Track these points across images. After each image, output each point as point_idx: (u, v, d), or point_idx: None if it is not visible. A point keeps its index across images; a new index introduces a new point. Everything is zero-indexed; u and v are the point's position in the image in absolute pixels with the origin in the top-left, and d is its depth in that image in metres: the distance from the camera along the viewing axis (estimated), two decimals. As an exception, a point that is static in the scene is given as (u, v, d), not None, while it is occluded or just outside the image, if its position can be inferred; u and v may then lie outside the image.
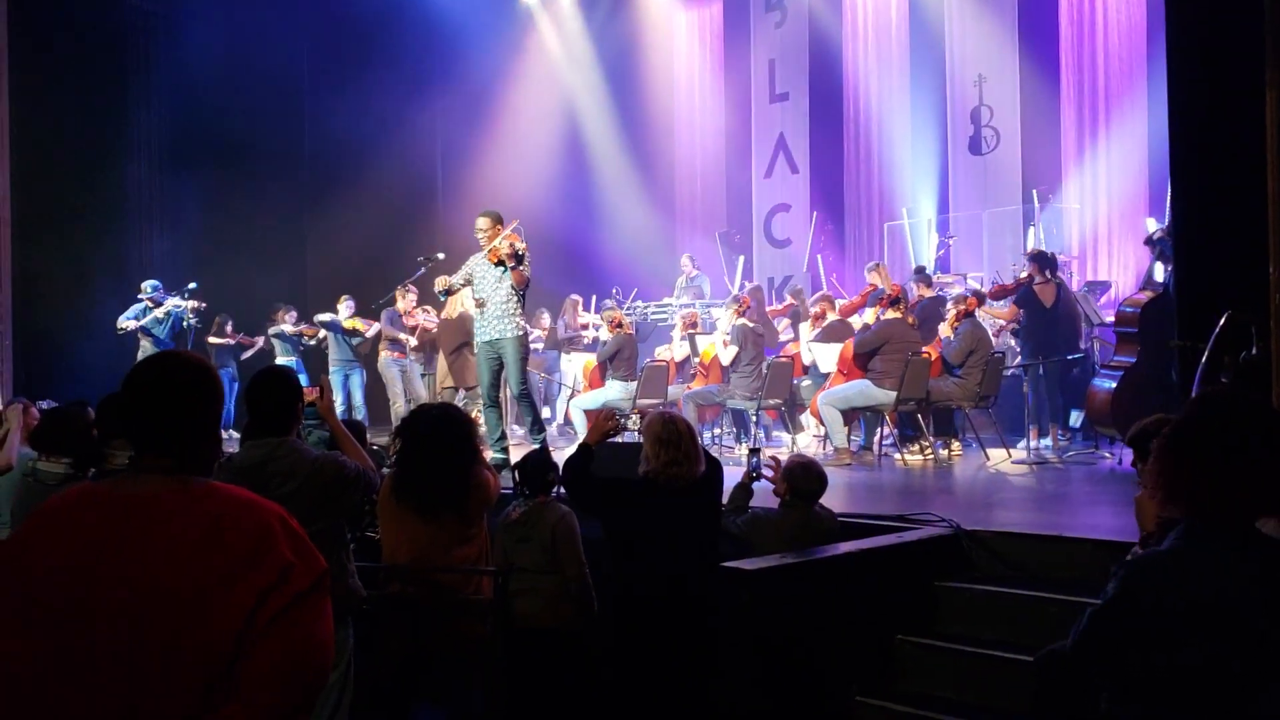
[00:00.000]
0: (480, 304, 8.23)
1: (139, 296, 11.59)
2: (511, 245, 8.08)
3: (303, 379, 11.39)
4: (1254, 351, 4.59)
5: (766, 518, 5.24)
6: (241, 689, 1.89)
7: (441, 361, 10.76)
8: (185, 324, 11.70)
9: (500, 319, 8.18)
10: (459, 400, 10.25)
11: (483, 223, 8.34)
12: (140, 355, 11.04)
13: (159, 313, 11.48)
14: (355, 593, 4.01)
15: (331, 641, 2.02)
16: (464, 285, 8.48)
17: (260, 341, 12.78)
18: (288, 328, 12.35)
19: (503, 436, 8.35)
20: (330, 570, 2.14)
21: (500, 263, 8.11)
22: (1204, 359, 4.67)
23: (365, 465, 4.02)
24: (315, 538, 3.60)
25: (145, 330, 11.40)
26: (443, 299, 8.85)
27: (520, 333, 8.24)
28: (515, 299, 8.19)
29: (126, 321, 11.41)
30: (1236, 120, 5.10)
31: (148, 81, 13.55)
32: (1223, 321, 4.70)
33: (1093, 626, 2.27)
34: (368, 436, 6.00)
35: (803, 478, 5.23)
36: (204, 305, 11.88)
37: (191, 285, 11.69)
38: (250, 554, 1.94)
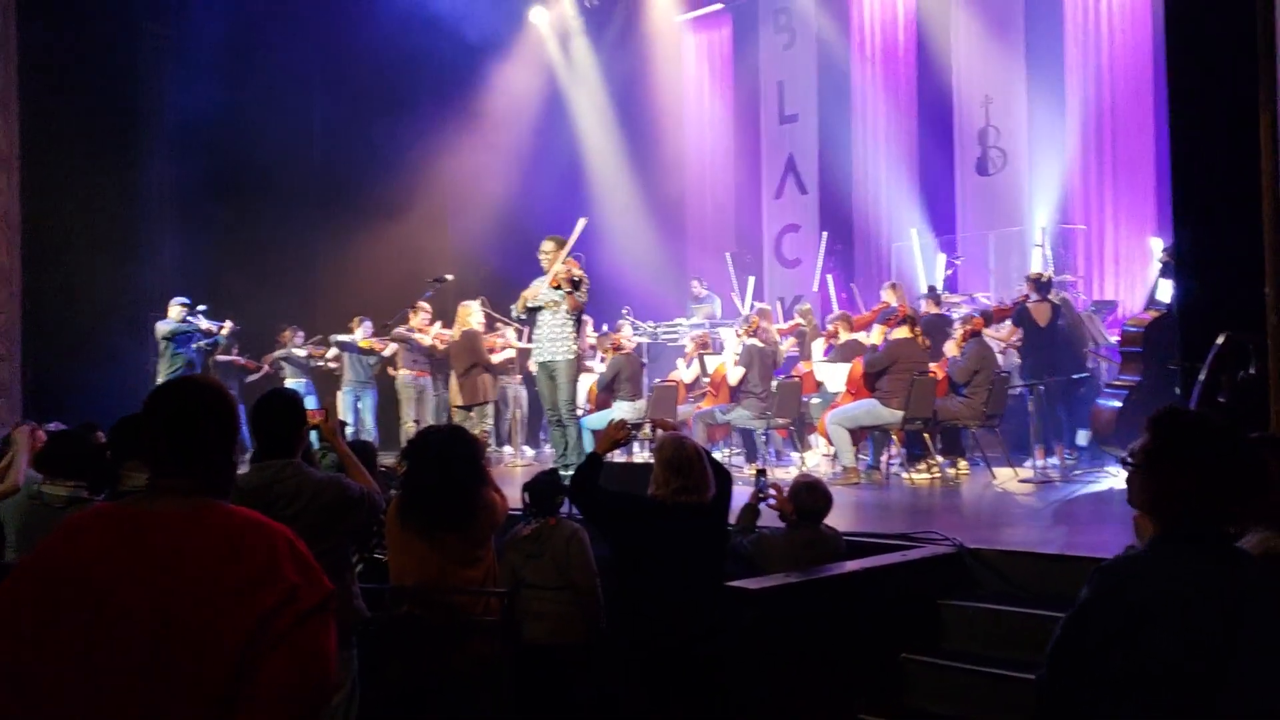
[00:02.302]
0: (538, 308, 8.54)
1: (173, 308, 11.56)
2: (569, 271, 8.38)
3: (311, 401, 11.52)
4: (1251, 371, 4.63)
5: (773, 537, 5.28)
6: (246, 706, 1.93)
7: (453, 380, 10.83)
8: (219, 344, 11.92)
9: (554, 341, 8.54)
10: (467, 420, 10.33)
11: (547, 246, 8.69)
12: (163, 368, 11.23)
13: (201, 324, 11.58)
14: (359, 614, 4.05)
15: (335, 661, 2.06)
16: (536, 307, 8.71)
17: (265, 367, 12.82)
18: (297, 350, 12.43)
19: (565, 454, 8.52)
20: (336, 592, 2.19)
21: (559, 286, 8.40)
22: (1201, 379, 4.70)
23: (370, 488, 4.06)
24: (320, 559, 3.68)
25: (180, 344, 11.42)
26: (524, 320, 9.06)
27: (572, 355, 8.56)
28: (570, 323, 8.51)
29: (168, 328, 11.43)
30: (1235, 141, 5.14)
31: (159, 104, 13.67)
32: (1220, 341, 4.74)
33: (1066, 632, 2.34)
34: (377, 458, 6.05)
35: (808, 497, 5.27)
36: (239, 328, 12.09)
37: (202, 308, 11.78)
38: (259, 574, 1.99)
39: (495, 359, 11.45)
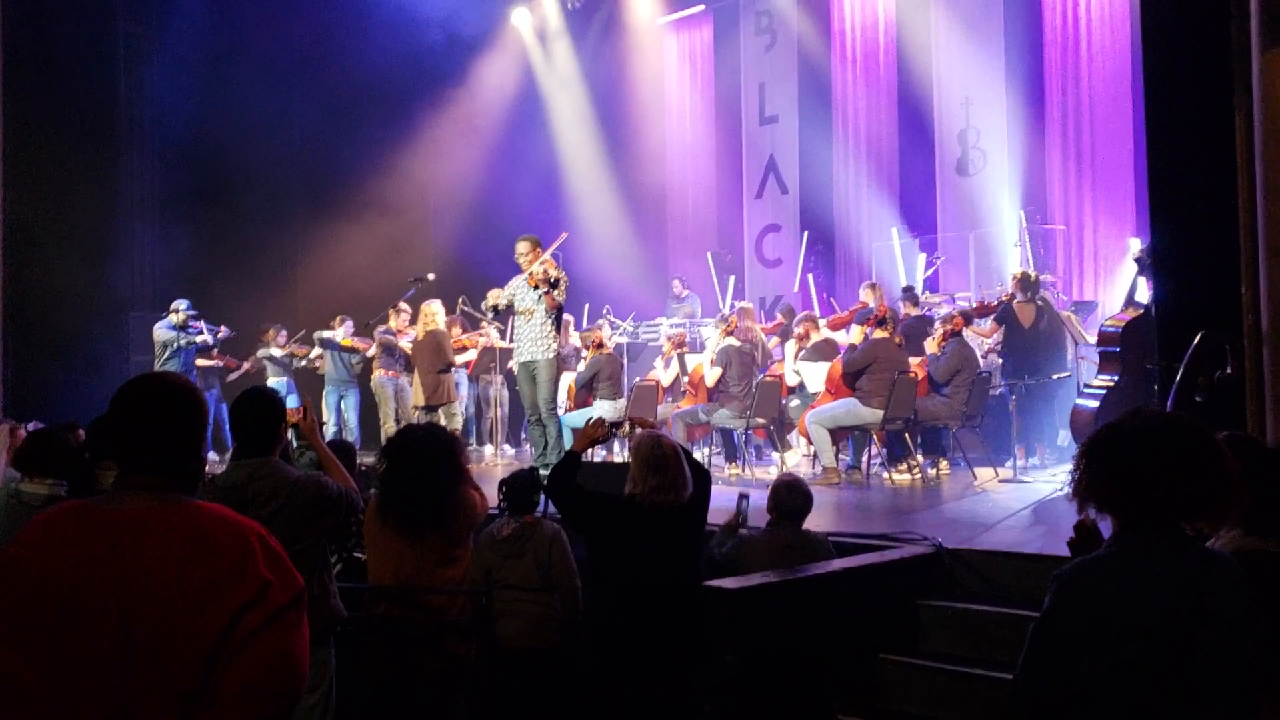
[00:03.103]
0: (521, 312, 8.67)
1: (174, 313, 11.55)
2: (545, 271, 8.39)
3: (293, 400, 11.49)
4: (1228, 371, 4.65)
5: (755, 539, 5.26)
6: (218, 702, 1.93)
7: (416, 381, 10.80)
8: (212, 347, 11.99)
9: (534, 341, 8.64)
10: (427, 419, 10.29)
11: (522, 247, 8.79)
12: (160, 367, 11.20)
13: (198, 338, 11.60)
14: (336, 613, 4.04)
15: (307, 658, 2.06)
16: (507, 306, 8.89)
17: (246, 365, 12.79)
18: (276, 350, 12.39)
19: (545, 453, 8.57)
20: (309, 589, 2.18)
21: (537, 286, 8.47)
22: (1178, 378, 4.73)
23: (348, 487, 4.05)
24: (296, 558, 3.66)
25: (178, 346, 11.43)
26: (491, 317, 9.14)
27: (552, 355, 8.65)
28: (549, 322, 8.60)
29: (168, 334, 11.45)
30: (1211, 142, 5.17)
31: (139, 104, 13.60)
32: (1197, 341, 4.76)
33: (1034, 641, 2.34)
34: (357, 457, 6.03)
35: (787, 495, 5.27)
36: (234, 334, 12.17)
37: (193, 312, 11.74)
38: (230, 571, 1.99)
39: (461, 359, 11.45)
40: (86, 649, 1.93)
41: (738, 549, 5.19)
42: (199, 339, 11.58)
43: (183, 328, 11.43)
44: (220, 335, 11.97)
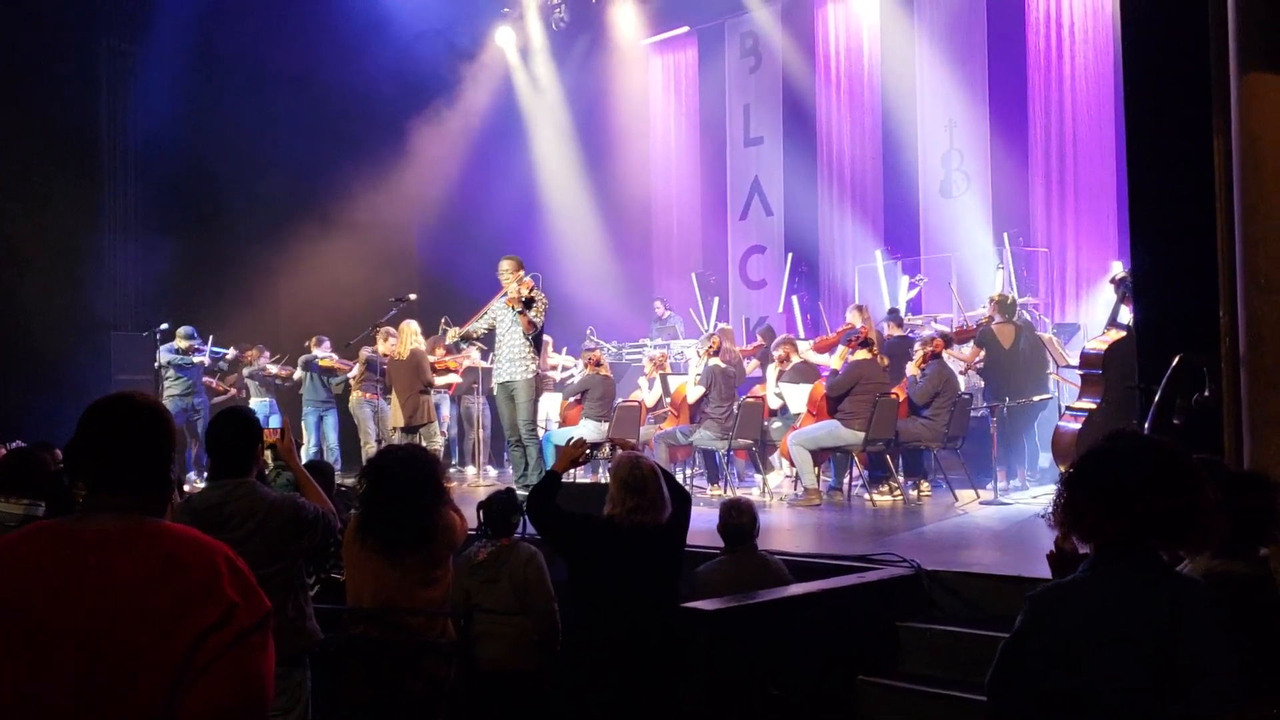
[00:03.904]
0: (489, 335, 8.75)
1: (180, 340, 11.60)
2: (519, 291, 8.43)
3: (275, 420, 11.43)
4: (1206, 394, 4.66)
5: (708, 572, 5.24)
6: (184, 725, 1.91)
7: (394, 401, 10.72)
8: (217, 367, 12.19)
9: (512, 362, 8.62)
10: (406, 440, 10.21)
11: (504, 265, 8.80)
12: (166, 390, 11.34)
13: (196, 359, 11.66)
14: (312, 635, 4.00)
15: (272, 680, 2.04)
16: (487, 330, 8.90)
17: (232, 390, 12.75)
18: (263, 368, 12.34)
19: (525, 474, 8.53)
20: (276, 611, 2.17)
21: (514, 306, 8.50)
22: (1156, 401, 4.74)
23: (325, 508, 4.02)
24: (272, 579, 3.67)
25: (182, 369, 11.50)
26: (463, 347, 9.13)
27: (530, 375, 8.63)
28: (526, 343, 8.57)
29: (167, 358, 11.51)
30: (1190, 166, 5.20)
31: (120, 122, 13.56)
32: (1175, 364, 4.78)
33: (1003, 659, 2.34)
34: (335, 478, 6.00)
35: (736, 516, 5.28)
36: (240, 353, 12.25)
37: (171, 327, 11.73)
38: (197, 592, 1.97)
39: (444, 380, 11.41)
40: (49, 671, 1.90)
41: (691, 584, 5.14)
42: (197, 359, 11.58)
43: (187, 353, 11.46)
44: (228, 357, 12.06)
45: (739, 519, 5.31)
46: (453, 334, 9.10)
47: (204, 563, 2.00)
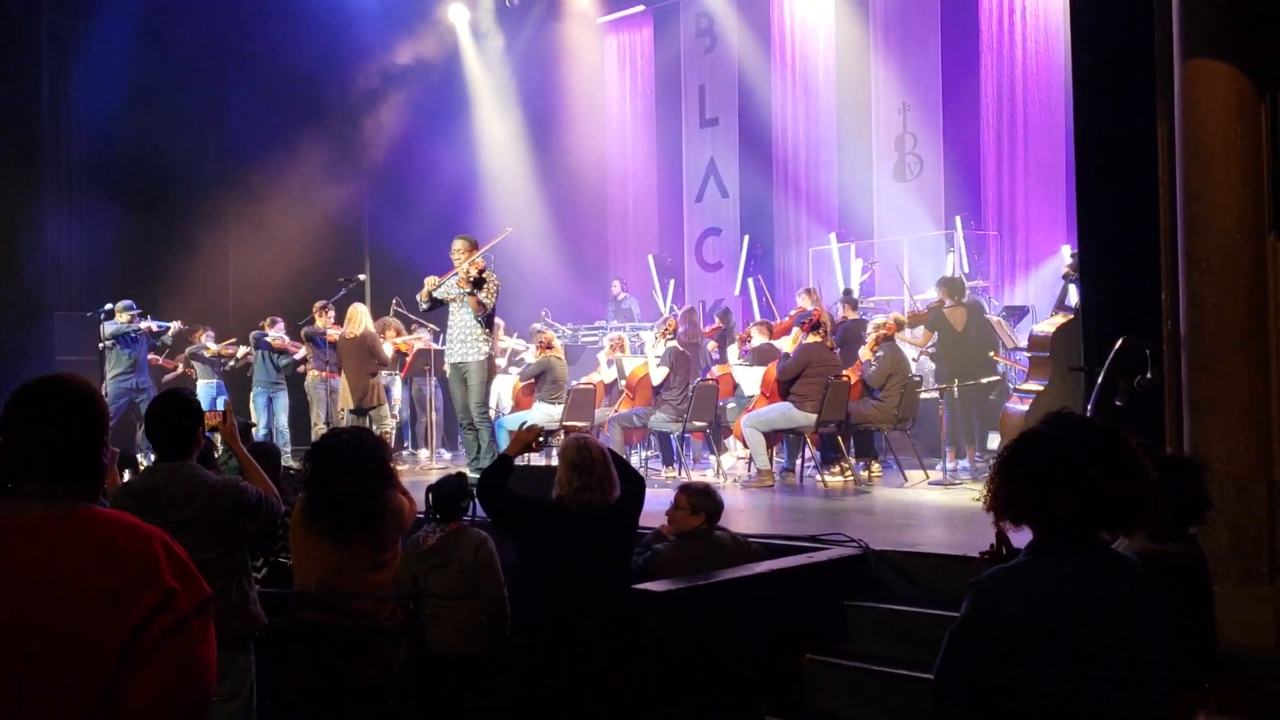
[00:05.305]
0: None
1: (120, 313, 11.44)
2: (467, 272, 8.30)
3: (222, 401, 11.32)
4: (1149, 376, 4.72)
5: (665, 553, 5.24)
6: (123, 714, 1.88)
7: (343, 382, 10.63)
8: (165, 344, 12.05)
9: (464, 343, 8.52)
10: (355, 422, 10.13)
11: (457, 245, 8.67)
12: (109, 368, 11.21)
13: (144, 326, 11.51)
14: (257, 619, 3.96)
15: (214, 666, 2.01)
16: (442, 297, 8.68)
17: (180, 366, 12.60)
18: (204, 346, 12.18)
19: (478, 457, 8.43)
20: (219, 595, 2.14)
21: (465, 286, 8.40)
22: (1099, 383, 4.79)
23: (269, 492, 3.97)
24: (214, 563, 3.63)
25: (125, 344, 11.32)
26: (425, 306, 8.96)
27: (483, 357, 8.51)
28: (478, 324, 8.46)
29: (111, 329, 11.37)
30: (1135, 150, 5.25)
31: (63, 98, 13.26)
32: (1118, 346, 4.83)
33: (950, 647, 2.33)
34: (283, 460, 5.95)
35: (709, 500, 5.28)
36: (185, 327, 12.06)
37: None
38: (133, 579, 1.93)
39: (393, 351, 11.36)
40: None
41: (650, 563, 5.14)
42: (143, 326, 11.43)
43: (129, 324, 11.32)
44: (171, 330, 11.87)
45: (712, 504, 5.29)
46: (423, 294, 8.83)
47: (140, 549, 1.97)
